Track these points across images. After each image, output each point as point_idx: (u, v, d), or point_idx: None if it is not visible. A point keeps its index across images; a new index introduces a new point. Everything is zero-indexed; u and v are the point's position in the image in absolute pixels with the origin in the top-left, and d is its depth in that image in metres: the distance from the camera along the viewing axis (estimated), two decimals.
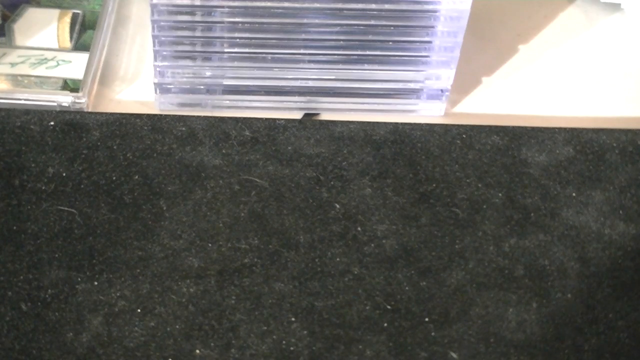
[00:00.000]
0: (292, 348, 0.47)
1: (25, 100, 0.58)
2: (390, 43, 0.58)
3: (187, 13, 0.56)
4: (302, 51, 0.58)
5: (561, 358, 0.48)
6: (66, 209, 0.52)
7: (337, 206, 0.54)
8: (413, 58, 0.59)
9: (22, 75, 0.60)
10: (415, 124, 0.59)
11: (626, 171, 0.57)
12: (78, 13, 0.64)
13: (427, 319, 0.49)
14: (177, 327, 0.48)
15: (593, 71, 0.65)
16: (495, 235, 0.53)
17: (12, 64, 0.60)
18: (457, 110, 0.62)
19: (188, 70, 0.59)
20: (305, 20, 0.57)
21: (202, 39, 0.58)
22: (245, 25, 0.57)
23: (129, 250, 0.51)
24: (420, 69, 0.59)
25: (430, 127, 0.58)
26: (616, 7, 0.70)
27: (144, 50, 0.64)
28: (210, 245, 0.51)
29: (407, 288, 0.50)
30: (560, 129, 0.59)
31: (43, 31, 0.63)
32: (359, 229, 0.53)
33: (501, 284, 0.51)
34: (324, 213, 0.53)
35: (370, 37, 0.57)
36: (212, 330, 0.48)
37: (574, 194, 0.56)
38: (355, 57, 0.58)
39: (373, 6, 0.56)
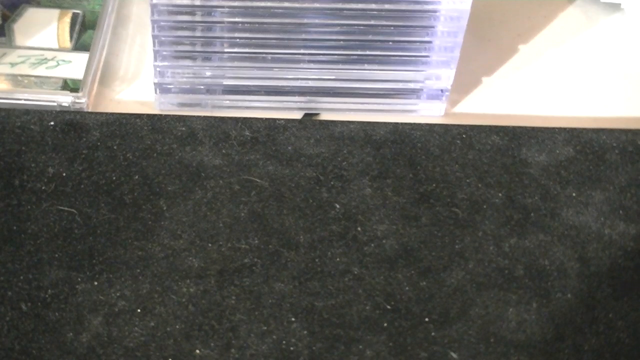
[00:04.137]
0: (292, 348, 0.47)
1: (25, 100, 0.58)
2: (390, 43, 0.58)
3: (187, 13, 0.56)
4: (302, 51, 0.58)
5: (561, 358, 0.48)
6: (66, 209, 0.52)
7: (337, 206, 0.54)
8: (413, 58, 0.59)
9: (22, 75, 0.60)
10: (415, 124, 0.59)
11: (626, 171, 0.57)
12: (78, 13, 0.64)
13: (427, 319, 0.49)
14: (177, 327, 0.48)
15: (593, 71, 0.65)
16: (495, 235, 0.53)
17: (12, 64, 0.60)
18: (457, 110, 0.62)
19: (188, 70, 0.59)
20: (305, 20, 0.57)
21: (202, 39, 0.58)
22: (245, 25, 0.57)
23: (129, 250, 0.51)
24: (420, 69, 0.59)
25: (430, 127, 0.58)
26: (616, 7, 0.70)
27: (144, 50, 0.64)
28: (210, 245, 0.51)
29: (407, 288, 0.50)
30: (560, 129, 0.59)
31: (43, 31, 0.63)
32: (359, 229, 0.53)
33: (501, 284, 0.51)
34: (324, 213, 0.53)
35: (370, 37, 0.57)
36: (212, 330, 0.48)
37: (574, 194, 0.56)
38: (355, 57, 0.58)
39: (373, 6, 0.56)
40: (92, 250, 0.51)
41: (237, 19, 0.57)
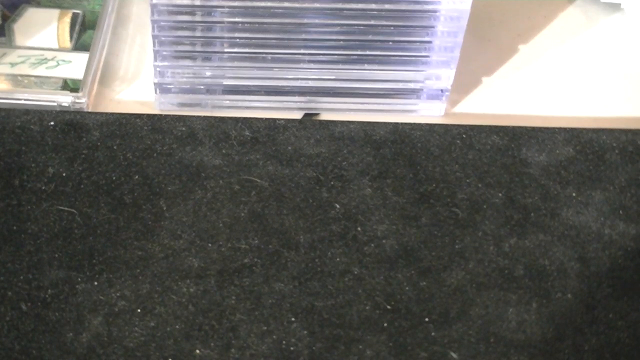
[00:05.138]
0: (292, 348, 0.47)
1: (25, 100, 0.58)
2: (390, 43, 0.58)
3: (187, 13, 0.56)
4: (302, 51, 0.58)
5: (561, 358, 0.48)
6: (66, 209, 0.52)
7: (337, 206, 0.54)
8: (413, 58, 0.59)
9: (22, 75, 0.60)
10: (415, 124, 0.59)
11: (626, 171, 0.57)
12: (78, 13, 0.64)
13: (427, 319, 0.49)
14: (177, 327, 0.48)
15: (593, 71, 0.65)
16: (495, 235, 0.53)
17: (12, 64, 0.60)
18: (457, 110, 0.62)
19: (188, 70, 0.59)
20: (305, 20, 0.57)
21: (202, 39, 0.58)
22: (245, 25, 0.57)
23: (129, 250, 0.51)
24: (420, 69, 0.59)
25: (430, 127, 0.58)
26: (616, 7, 0.70)
27: (144, 50, 0.64)
28: (210, 245, 0.51)
29: (407, 288, 0.50)
30: (560, 129, 0.59)
31: (43, 31, 0.63)
32: (359, 229, 0.53)
33: (501, 284, 0.51)
34: (324, 213, 0.53)
35: (370, 37, 0.57)
36: (212, 330, 0.48)
37: (574, 194, 0.56)
38: (355, 57, 0.58)
39: (373, 6, 0.56)
40: (92, 250, 0.51)
41: (237, 19, 0.57)
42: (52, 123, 0.57)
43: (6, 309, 0.48)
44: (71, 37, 0.63)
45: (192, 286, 0.49)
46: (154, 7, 0.56)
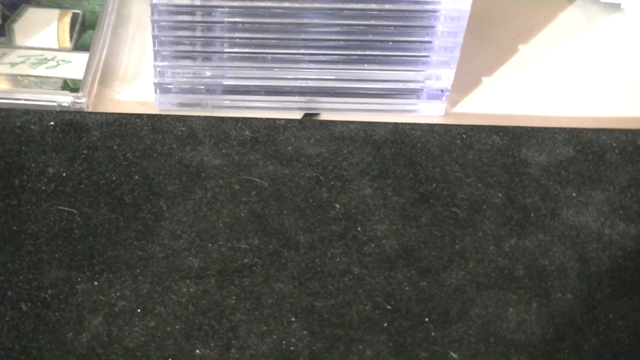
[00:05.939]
0: (292, 348, 0.47)
1: (25, 100, 0.58)
2: (390, 43, 0.58)
3: (187, 13, 0.56)
4: (302, 51, 0.58)
5: (561, 358, 0.48)
6: (66, 209, 0.52)
7: (337, 206, 0.54)
8: (413, 58, 0.59)
9: (22, 75, 0.60)
10: (415, 124, 0.59)
11: (626, 171, 0.57)
12: (78, 13, 0.64)
13: (427, 319, 0.49)
14: (177, 327, 0.48)
15: (593, 71, 0.65)
16: (495, 235, 0.53)
17: (12, 64, 0.60)
18: (457, 110, 0.62)
19: (188, 70, 0.59)
20: (305, 20, 0.57)
21: (202, 39, 0.58)
22: (245, 25, 0.57)
23: (129, 250, 0.51)
24: (420, 69, 0.59)
25: (430, 127, 0.58)
26: (616, 7, 0.70)
27: (144, 50, 0.64)
28: (210, 245, 0.51)
29: (407, 288, 0.50)
30: (560, 129, 0.59)
31: (43, 31, 0.63)
32: (359, 229, 0.53)
33: (501, 284, 0.51)
34: (324, 213, 0.53)
35: (370, 37, 0.57)
36: (212, 330, 0.48)
37: (574, 194, 0.56)
38: (355, 57, 0.58)
39: (373, 6, 0.56)
40: (92, 250, 0.51)
41: (237, 19, 0.57)
42: (52, 123, 0.57)
43: (6, 309, 0.48)
44: (71, 37, 0.63)
45: (192, 286, 0.49)
46: (154, 7, 0.56)
